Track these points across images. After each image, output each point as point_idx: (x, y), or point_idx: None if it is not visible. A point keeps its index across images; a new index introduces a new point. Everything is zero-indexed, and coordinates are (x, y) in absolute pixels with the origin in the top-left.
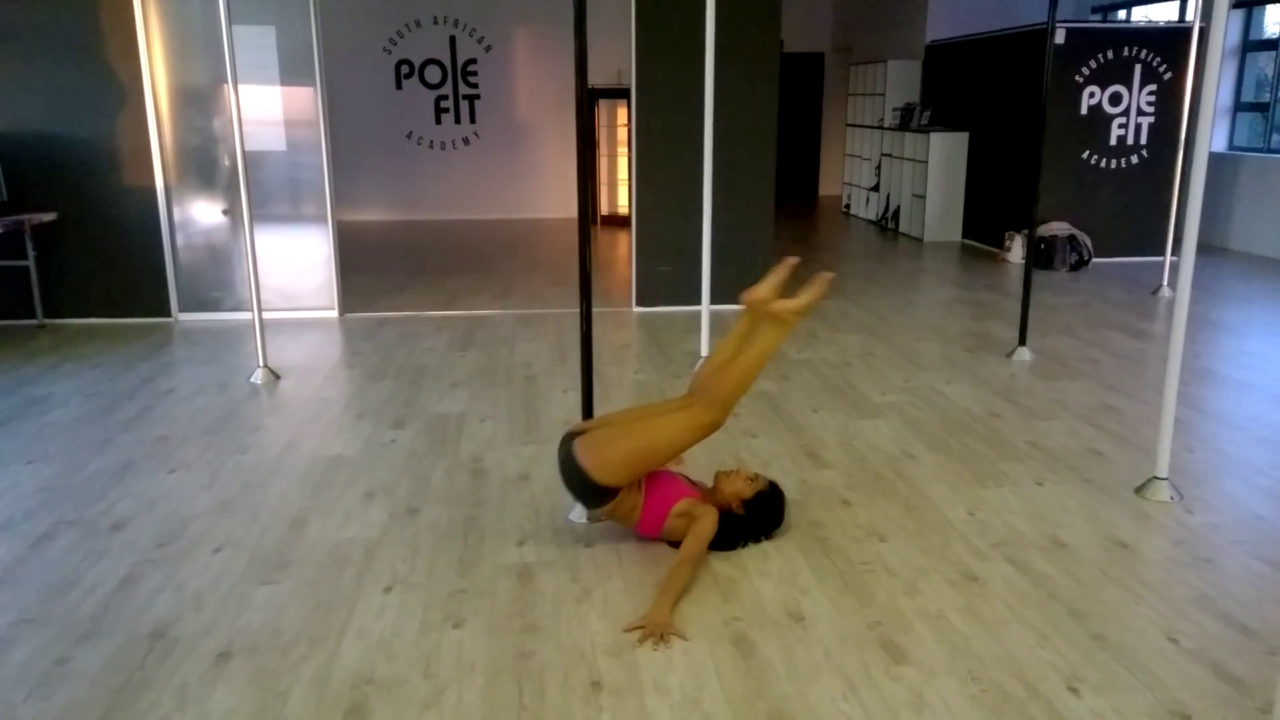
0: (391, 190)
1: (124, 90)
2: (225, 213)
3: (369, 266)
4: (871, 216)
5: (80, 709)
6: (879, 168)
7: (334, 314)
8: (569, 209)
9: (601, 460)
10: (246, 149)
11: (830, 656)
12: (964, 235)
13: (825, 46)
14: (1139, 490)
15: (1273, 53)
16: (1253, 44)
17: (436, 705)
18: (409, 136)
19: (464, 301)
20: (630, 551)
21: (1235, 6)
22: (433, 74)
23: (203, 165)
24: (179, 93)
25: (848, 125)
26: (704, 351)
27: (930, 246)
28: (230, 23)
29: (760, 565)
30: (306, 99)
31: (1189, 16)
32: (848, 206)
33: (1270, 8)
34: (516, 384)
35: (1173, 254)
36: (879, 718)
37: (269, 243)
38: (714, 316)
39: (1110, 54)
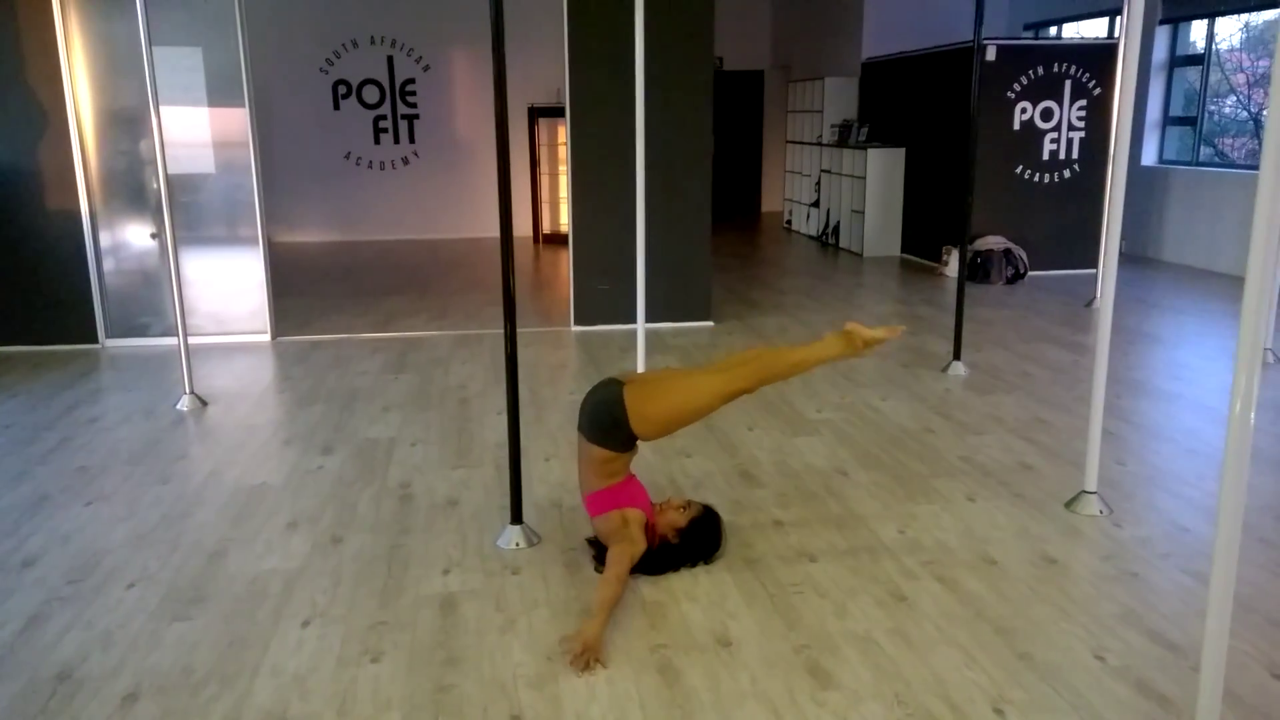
0: (330, 211)
1: (46, 113)
2: (153, 236)
3: (305, 289)
4: (812, 232)
5: None
6: (818, 184)
7: (266, 338)
8: (514, 228)
9: (644, 412)
10: (174, 172)
11: (756, 683)
12: (903, 250)
13: (764, 64)
14: (1069, 504)
15: (1199, 68)
16: (1180, 59)
17: None
18: (347, 157)
19: (400, 323)
20: (558, 577)
21: (1163, 23)
22: (371, 94)
23: (129, 188)
24: (103, 115)
25: (787, 142)
26: (640, 368)
27: (870, 261)
28: (151, 44)
29: (689, 589)
30: (236, 120)
31: (1117, 33)
32: (789, 223)
33: (1196, 24)
34: (450, 407)
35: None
36: None
37: (199, 267)
38: (650, 335)
39: (1040, 70)
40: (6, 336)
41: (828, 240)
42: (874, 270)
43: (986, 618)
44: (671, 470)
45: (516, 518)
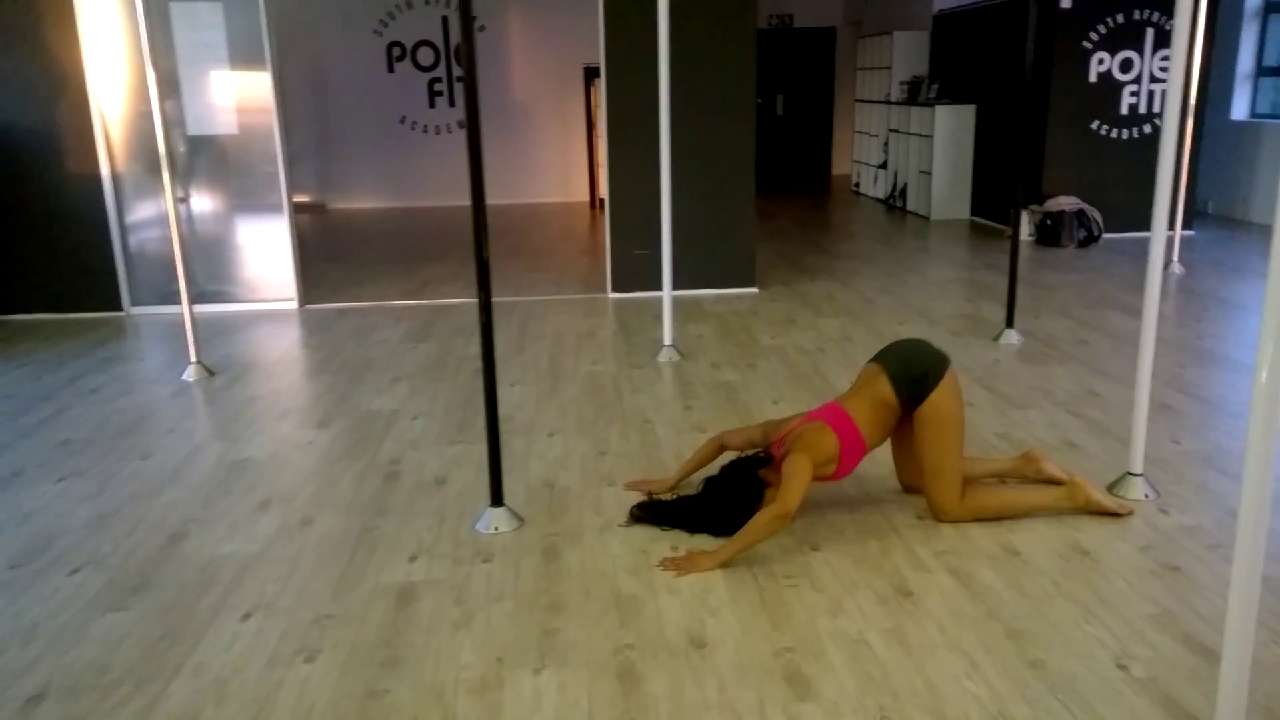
0: (385, 176)
1: (64, 75)
2: (181, 200)
3: (347, 255)
4: (880, 195)
5: None
6: (886, 144)
7: (294, 305)
8: (569, 192)
9: (936, 410)
10: (195, 133)
11: (725, 691)
12: (972, 212)
13: (837, 21)
14: (1111, 487)
15: None
16: (1275, 4)
17: None
18: (402, 121)
19: (434, 290)
20: (531, 567)
21: None
22: (425, 56)
23: (152, 151)
24: (123, 75)
25: (856, 101)
26: (667, 339)
27: (937, 225)
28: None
29: (671, 581)
30: (261, 82)
31: None
32: (857, 185)
33: None
34: (463, 378)
35: (1185, 228)
36: None
37: (224, 232)
38: (689, 301)
39: (1120, 17)
40: (31, 304)
41: (895, 203)
42: (939, 234)
43: (999, 617)
44: (681, 446)
45: (497, 500)
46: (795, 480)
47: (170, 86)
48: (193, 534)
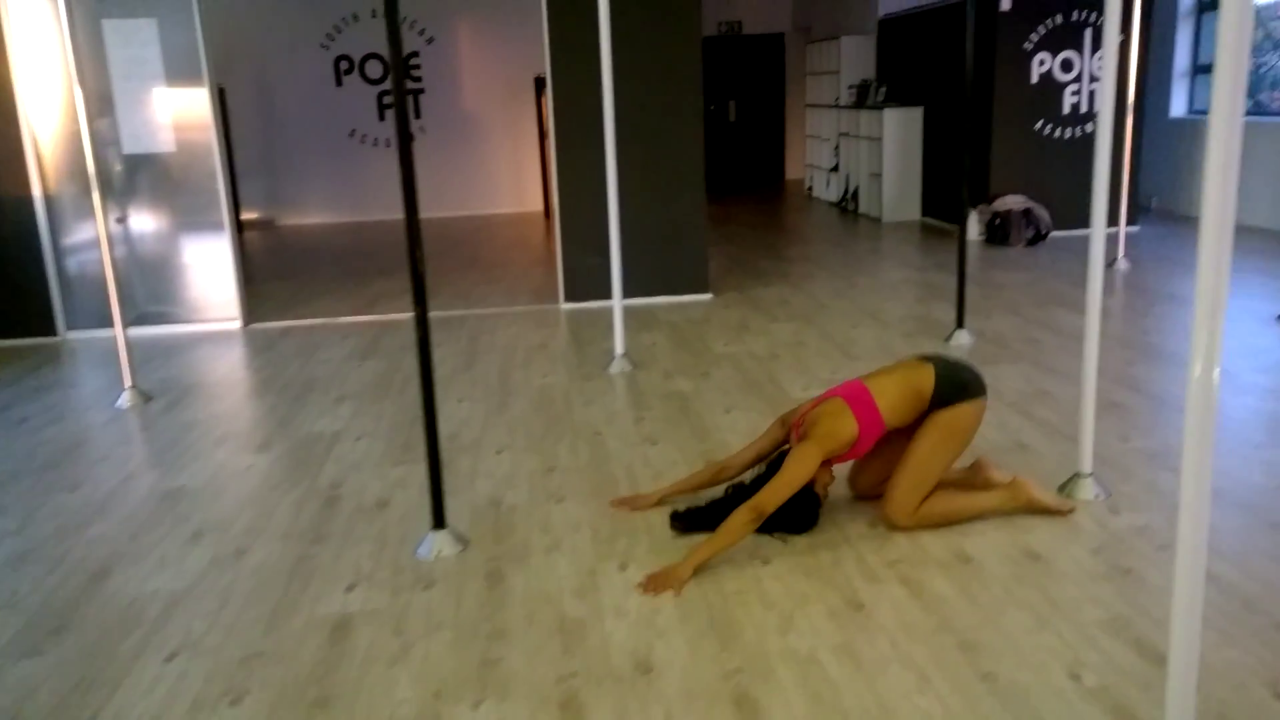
0: (336, 191)
1: None
2: (119, 221)
3: (297, 271)
4: (833, 198)
5: None
6: (837, 148)
7: (237, 325)
8: (523, 202)
9: (947, 422)
10: (131, 152)
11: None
12: (923, 213)
13: (786, 27)
14: (1062, 488)
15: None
16: (1208, 3)
17: None
18: (352, 135)
19: (383, 305)
20: (473, 593)
21: None
22: (374, 69)
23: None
24: (54, 94)
25: (807, 105)
26: (619, 349)
27: (889, 227)
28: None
29: (619, 602)
30: (198, 97)
31: None
32: (810, 189)
33: None
34: (409, 395)
35: (1129, 224)
36: None
37: (164, 251)
38: (642, 310)
39: (1059, 18)
40: None
41: (847, 206)
42: (891, 236)
43: (952, 628)
44: (632, 459)
45: (439, 522)
46: (787, 477)
47: (104, 104)
48: (118, 570)
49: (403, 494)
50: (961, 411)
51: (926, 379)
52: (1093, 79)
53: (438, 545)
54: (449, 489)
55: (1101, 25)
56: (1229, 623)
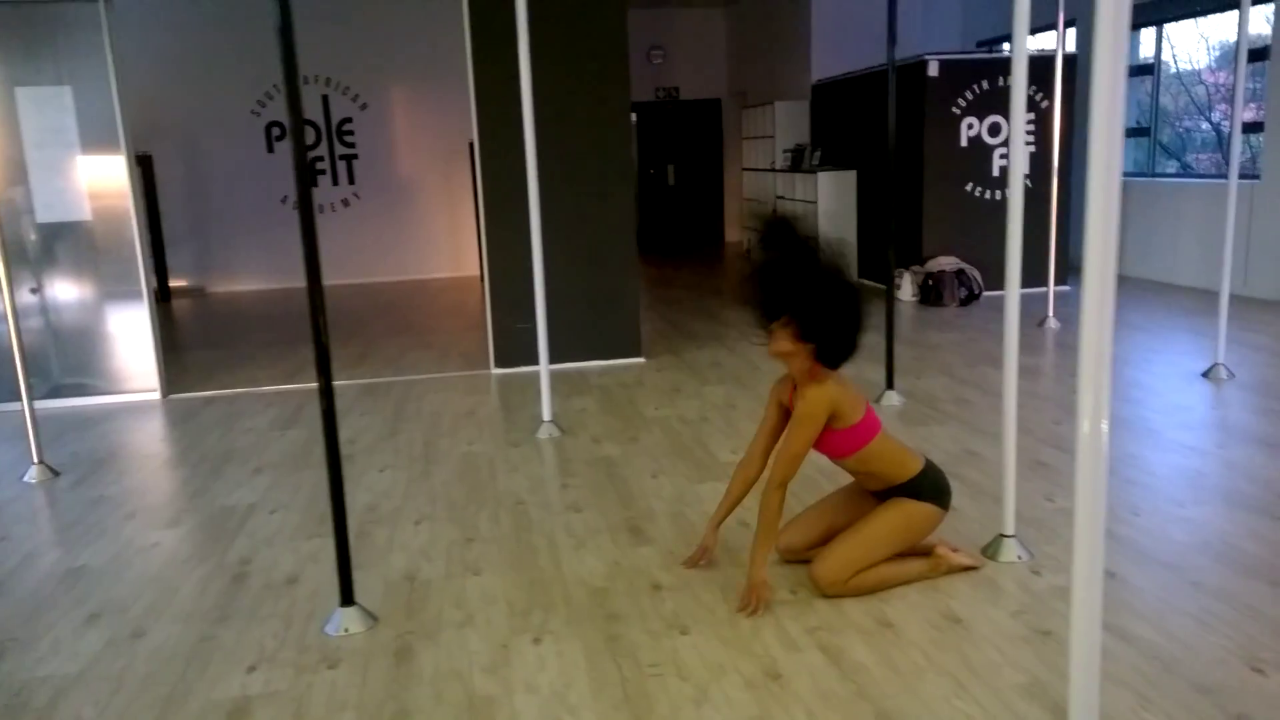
0: (267, 257)
1: None
2: (33, 291)
3: (224, 339)
4: None
5: None
6: (774, 211)
7: (156, 396)
8: (459, 267)
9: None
10: (46, 220)
11: None
12: (859, 274)
13: (722, 92)
14: (985, 550)
15: (1148, 77)
16: (1133, 69)
17: None
18: (284, 201)
19: (309, 373)
20: (380, 671)
21: None
22: (306, 135)
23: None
24: None
25: (743, 169)
26: (546, 415)
27: None
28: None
29: (531, 677)
30: (115, 165)
31: (1069, 46)
32: (749, 251)
33: (1145, 32)
34: None
35: (1060, 283)
36: None
37: (80, 322)
38: (574, 374)
39: (985, 84)
40: None
41: None
42: None
43: (868, 697)
44: (554, 528)
45: (347, 599)
46: (796, 435)
47: (17, 172)
48: (9, 655)
49: (314, 569)
50: (928, 511)
51: (915, 463)
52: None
53: (345, 622)
54: (363, 562)
55: (1030, 93)
56: (1148, 685)
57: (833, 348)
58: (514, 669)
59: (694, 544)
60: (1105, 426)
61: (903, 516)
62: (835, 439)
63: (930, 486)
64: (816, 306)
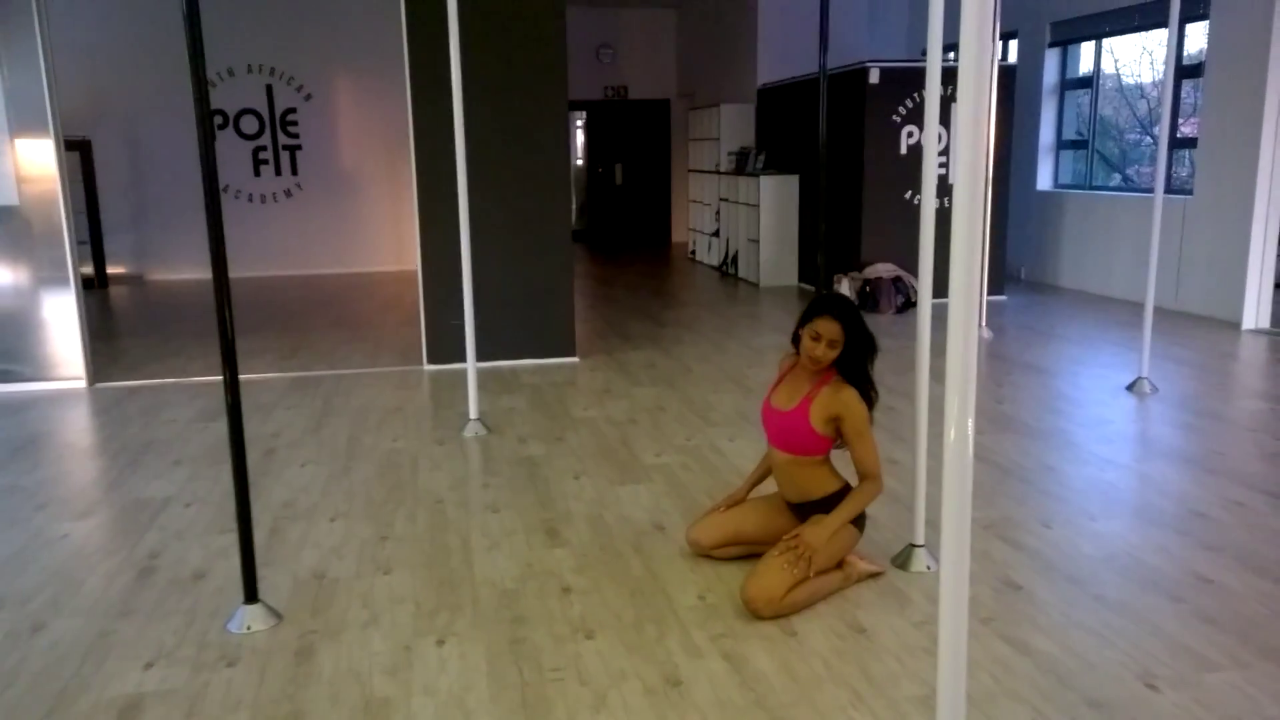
0: (206, 246)
1: None
2: None
3: (157, 328)
4: (714, 262)
5: None
6: (718, 213)
7: (82, 384)
8: (401, 261)
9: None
10: None
11: None
12: (800, 279)
13: (671, 93)
14: (895, 559)
15: (1089, 91)
16: (1070, 82)
17: None
18: (225, 190)
19: (241, 364)
20: (278, 670)
21: (1052, 45)
22: (249, 124)
23: None
24: None
25: (689, 171)
26: (473, 413)
27: (766, 291)
28: None
29: (431, 679)
30: (44, 149)
31: (1011, 57)
32: (693, 253)
33: (1084, 46)
34: (251, 459)
35: (994, 293)
36: None
37: (5, 308)
38: (506, 372)
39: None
40: None
41: (728, 270)
42: (768, 300)
43: (766, 705)
44: (470, 528)
45: (251, 596)
46: (867, 442)
47: None
48: None
49: (224, 564)
50: (848, 530)
51: (837, 483)
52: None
53: (247, 620)
54: (273, 559)
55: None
56: (1042, 699)
57: (853, 365)
58: (414, 671)
59: (608, 550)
60: (970, 432)
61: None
62: (815, 440)
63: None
64: (862, 337)
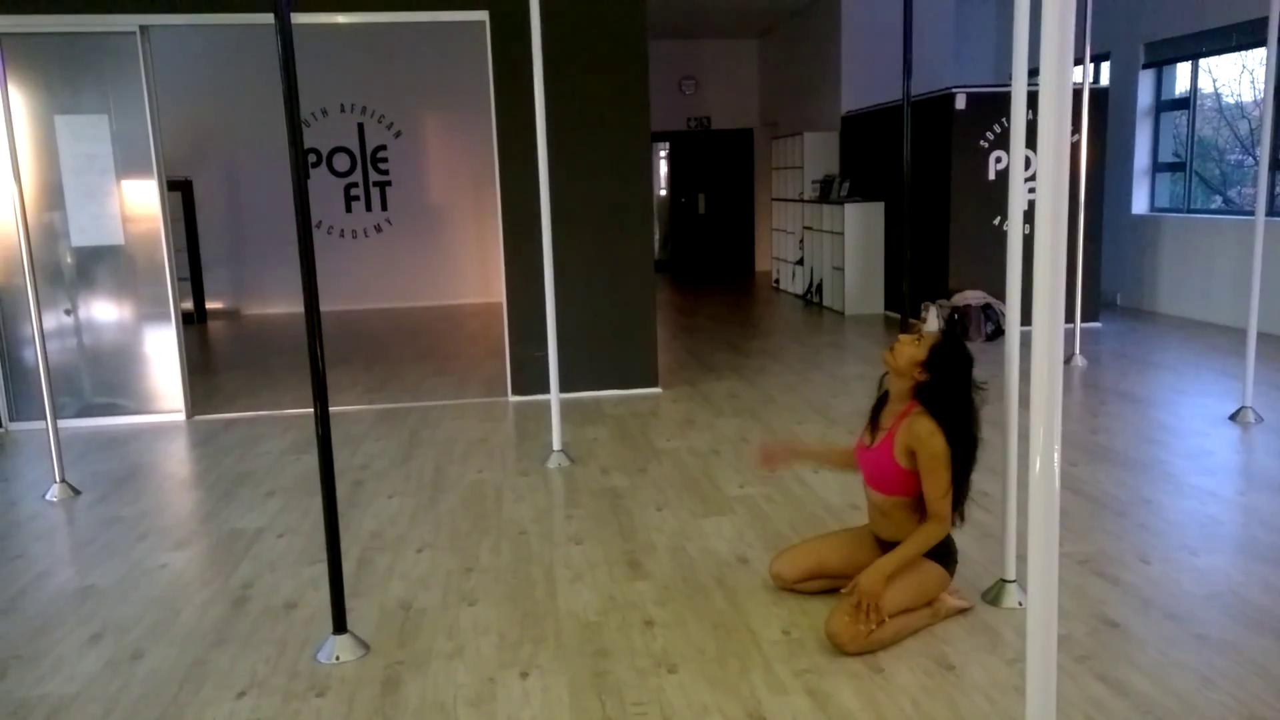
0: (301, 282)
1: None
2: (68, 312)
3: (252, 362)
4: (798, 291)
5: None
6: (802, 241)
7: (181, 417)
8: (488, 293)
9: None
10: (80, 244)
11: None
12: (886, 307)
13: (754, 122)
14: (986, 595)
15: (1185, 111)
16: (1166, 104)
17: None
18: (319, 226)
19: (332, 397)
20: (366, 700)
21: (1146, 67)
22: (341, 162)
23: (37, 263)
24: (3, 187)
25: (773, 199)
26: (556, 444)
27: (851, 320)
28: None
29: (515, 712)
30: (148, 191)
31: (1104, 80)
32: (777, 281)
33: (1180, 67)
34: (341, 490)
35: (1089, 320)
36: None
37: (111, 343)
38: (589, 403)
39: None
40: None
41: (811, 299)
42: (853, 329)
43: None
44: (553, 560)
45: (340, 626)
46: (940, 478)
47: (55, 197)
48: (11, 673)
49: (314, 595)
50: (939, 572)
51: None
52: None
53: (336, 650)
54: (362, 589)
55: None
56: None
57: (938, 396)
58: (498, 703)
59: (690, 583)
60: (1056, 464)
61: (917, 575)
62: (902, 476)
63: (942, 548)
64: (950, 365)
